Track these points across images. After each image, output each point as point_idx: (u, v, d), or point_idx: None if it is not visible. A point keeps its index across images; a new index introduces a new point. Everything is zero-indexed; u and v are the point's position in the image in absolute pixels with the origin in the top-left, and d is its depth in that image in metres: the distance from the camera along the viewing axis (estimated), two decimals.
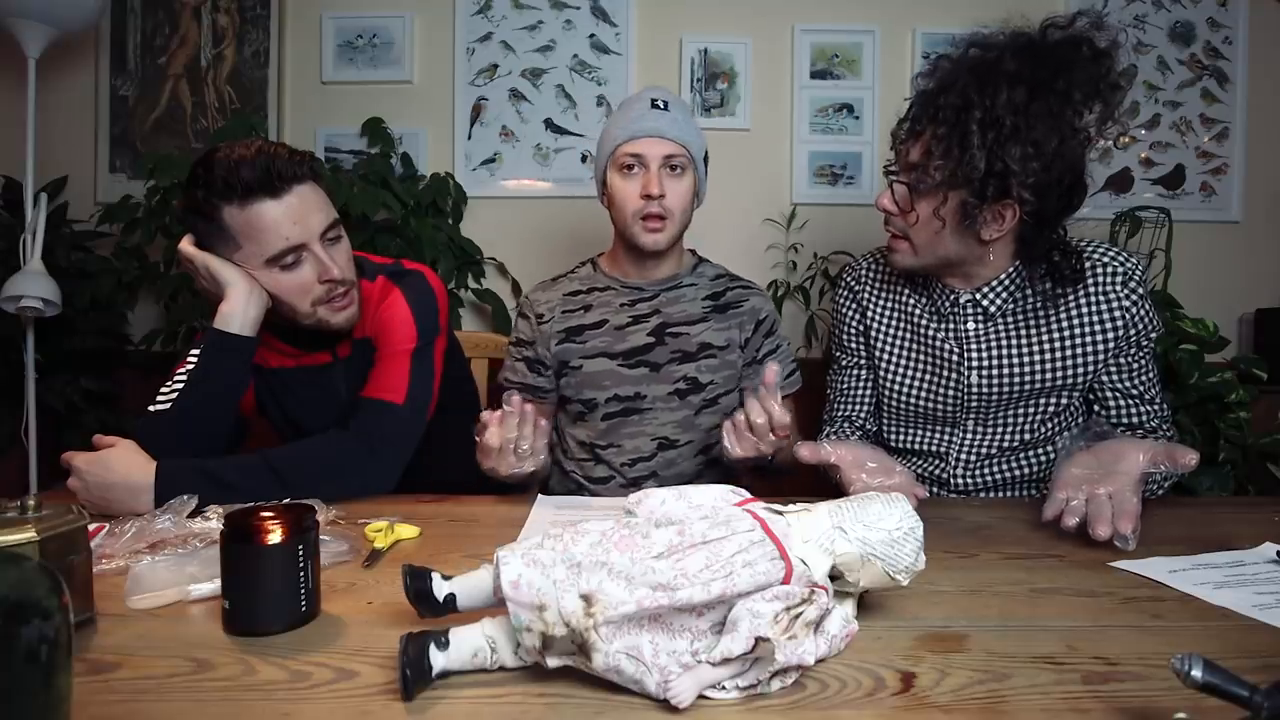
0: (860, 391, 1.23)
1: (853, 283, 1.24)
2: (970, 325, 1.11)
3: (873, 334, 1.20)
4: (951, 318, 1.13)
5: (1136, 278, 1.08)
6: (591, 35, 2.05)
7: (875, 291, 1.21)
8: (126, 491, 0.90)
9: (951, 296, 1.12)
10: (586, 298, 1.29)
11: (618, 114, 1.26)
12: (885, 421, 1.22)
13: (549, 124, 2.06)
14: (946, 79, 1.00)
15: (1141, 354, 1.10)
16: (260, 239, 0.98)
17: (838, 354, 1.26)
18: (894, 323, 1.19)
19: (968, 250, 1.06)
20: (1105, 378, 1.10)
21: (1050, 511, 0.84)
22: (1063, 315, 1.09)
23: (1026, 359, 1.09)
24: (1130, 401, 1.10)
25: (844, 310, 1.24)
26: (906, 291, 1.18)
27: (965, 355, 1.11)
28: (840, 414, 1.24)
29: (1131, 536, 0.78)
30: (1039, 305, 1.09)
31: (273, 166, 0.96)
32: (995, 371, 1.10)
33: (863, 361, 1.23)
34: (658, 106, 1.21)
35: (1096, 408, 1.13)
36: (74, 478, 0.91)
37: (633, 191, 1.20)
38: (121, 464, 0.91)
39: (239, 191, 0.95)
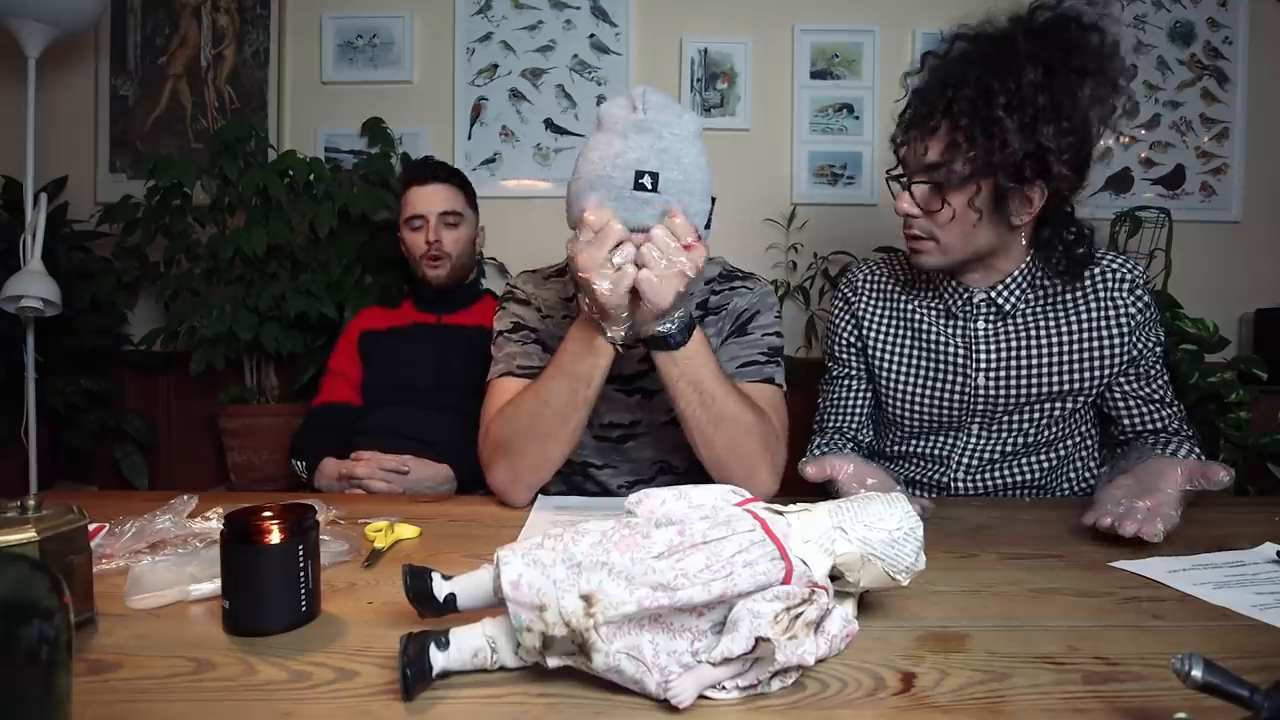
0: (852, 403, 1.21)
1: (849, 293, 1.22)
2: (981, 324, 1.11)
3: (870, 343, 1.19)
4: (962, 316, 1.12)
5: (1141, 284, 1.09)
6: (591, 35, 2.05)
7: (871, 300, 1.20)
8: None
9: (965, 295, 1.11)
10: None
11: (594, 170, 0.87)
12: (886, 428, 1.21)
13: (549, 124, 2.06)
14: (950, 73, 0.99)
15: (1155, 358, 1.10)
16: (406, 206, 1.58)
17: (829, 364, 1.25)
18: (893, 330, 1.18)
19: (1000, 239, 1.05)
20: (1126, 385, 1.10)
21: (1089, 518, 0.85)
22: (1071, 319, 1.09)
23: (1034, 362, 1.09)
24: (1152, 407, 1.10)
25: (838, 322, 1.23)
26: (905, 297, 1.18)
27: (973, 356, 1.11)
28: (831, 425, 1.22)
29: (1161, 533, 0.79)
30: (1049, 304, 1.10)
31: (425, 169, 1.62)
32: (1003, 373, 1.10)
33: (853, 373, 1.22)
34: (643, 187, 0.85)
35: (1115, 417, 1.12)
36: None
37: None
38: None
39: (406, 177, 1.63)
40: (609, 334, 0.91)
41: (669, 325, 0.90)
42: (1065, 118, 0.95)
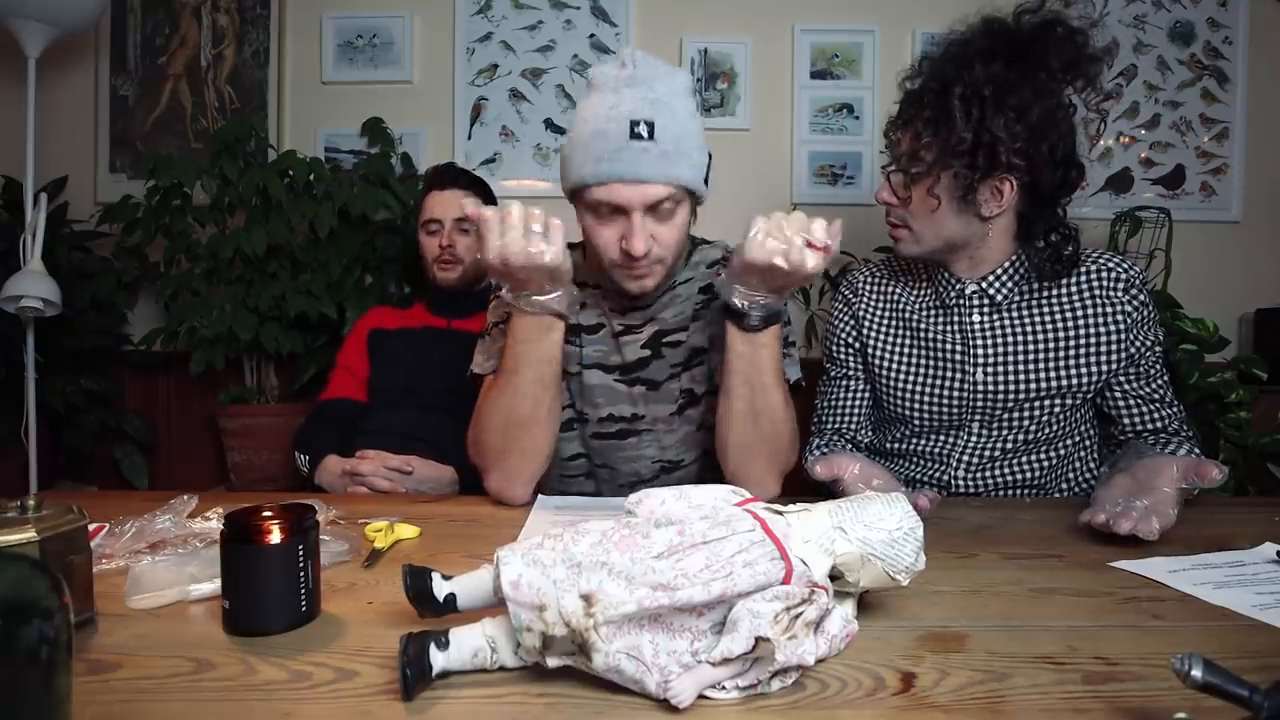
0: (850, 403, 1.22)
1: (849, 294, 1.24)
2: (975, 317, 1.13)
3: (870, 343, 1.20)
4: (956, 309, 1.14)
5: (1137, 283, 1.10)
6: (591, 35, 2.05)
7: (871, 300, 1.21)
8: None
9: (958, 287, 1.13)
10: (581, 294, 1.10)
11: (587, 129, 0.91)
12: (887, 426, 1.22)
13: (549, 124, 2.06)
14: (927, 72, 1.06)
15: (1154, 358, 1.11)
16: (424, 209, 1.61)
17: (828, 365, 1.26)
18: (893, 329, 1.19)
19: (969, 229, 1.08)
20: (1125, 385, 1.11)
21: (1086, 516, 0.86)
22: (1067, 316, 1.10)
23: (1031, 357, 1.10)
24: (1152, 407, 1.10)
25: (838, 322, 1.24)
26: (904, 296, 1.19)
27: (970, 351, 1.12)
28: (830, 425, 1.23)
29: (1156, 531, 0.79)
30: (1043, 300, 1.11)
31: (446, 174, 1.62)
32: (1000, 368, 1.11)
33: (851, 373, 1.22)
34: (639, 136, 0.87)
35: (1115, 417, 1.12)
36: None
37: (610, 238, 0.96)
38: None
39: (427, 182, 1.65)
40: (556, 305, 0.92)
41: (750, 305, 0.90)
42: (1015, 108, 0.99)
